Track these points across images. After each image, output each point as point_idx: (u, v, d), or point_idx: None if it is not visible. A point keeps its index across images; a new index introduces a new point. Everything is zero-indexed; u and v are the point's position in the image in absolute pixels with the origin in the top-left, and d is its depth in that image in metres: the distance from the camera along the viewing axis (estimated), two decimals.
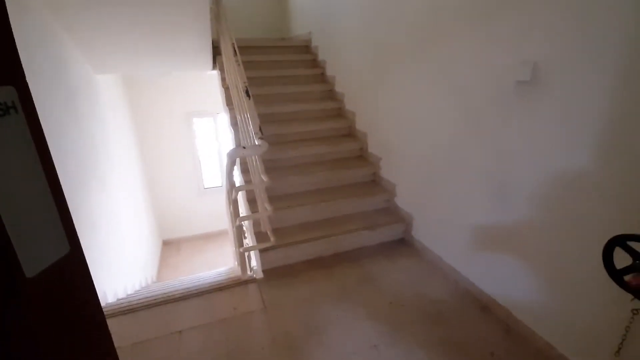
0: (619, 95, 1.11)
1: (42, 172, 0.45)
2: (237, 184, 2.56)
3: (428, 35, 1.99)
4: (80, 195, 2.37)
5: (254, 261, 2.40)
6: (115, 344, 0.62)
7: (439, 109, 1.97)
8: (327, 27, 3.52)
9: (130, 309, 1.88)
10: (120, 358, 0.64)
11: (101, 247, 2.65)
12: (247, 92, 2.03)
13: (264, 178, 1.85)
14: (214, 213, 5.77)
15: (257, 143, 1.83)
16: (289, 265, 2.22)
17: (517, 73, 1.42)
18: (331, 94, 3.51)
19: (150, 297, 2.12)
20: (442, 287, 1.97)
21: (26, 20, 1.94)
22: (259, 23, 4.87)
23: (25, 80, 0.44)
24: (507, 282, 1.67)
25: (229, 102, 2.87)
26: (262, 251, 2.13)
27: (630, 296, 0.99)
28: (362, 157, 3.00)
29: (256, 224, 2.30)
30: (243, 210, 2.77)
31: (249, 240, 2.61)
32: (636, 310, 1.08)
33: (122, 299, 2.63)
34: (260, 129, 1.89)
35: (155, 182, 5.50)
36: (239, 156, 2.06)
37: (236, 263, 2.63)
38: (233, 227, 2.30)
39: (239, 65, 2.21)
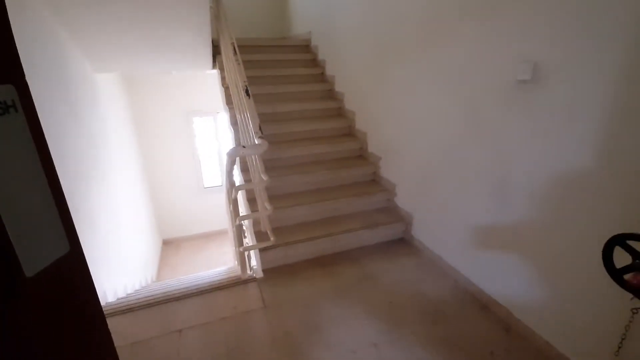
0: (620, 95, 1.11)
1: (41, 171, 0.45)
2: (237, 183, 2.56)
3: (428, 35, 1.98)
4: (80, 195, 2.36)
5: (254, 260, 2.40)
6: (115, 343, 0.62)
7: (439, 109, 1.97)
8: (327, 27, 3.51)
9: (130, 308, 1.88)
10: (120, 357, 0.64)
11: (101, 247, 2.65)
12: (247, 92, 2.03)
13: (264, 177, 1.85)
14: (213, 212, 5.77)
15: (257, 142, 1.82)
16: (289, 264, 2.22)
17: (518, 72, 1.42)
18: (331, 94, 3.51)
19: (150, 296, 2.12)
20: (441, 286, 1.97)
21: (26, 19, 1.93)
22: (258, 22, 4.87)
23: (25, 79, 0.44)
24: (507, 281, 1.67)
25: (228, 101, 2.87)
26: (262, 250, 2.13)
27: (630, 295, 0.99)
28: (362, 156, 3.00)
29: (256, 223, 2.30)
30: (243, 209, 2.77)
31: (248, 240, 2.61)
32: (636, 309, 1.08)
33: (122, 298, 2.63)
34: (260, 128, 1.88)
35: (155, 182, 5.50)
36: (238, 155, 2.06)
37: (236, 262, 2.63)
38: (233, 226, 2.30)
39: (238, 64, 2.20)
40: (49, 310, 0.48)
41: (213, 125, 5.78)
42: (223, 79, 3.07)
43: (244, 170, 2.63)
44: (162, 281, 4.06)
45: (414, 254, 2.30)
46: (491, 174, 1.66)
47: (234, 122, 2.74)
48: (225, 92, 3.08)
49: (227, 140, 5.07)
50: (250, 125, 1.95)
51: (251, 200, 2.49)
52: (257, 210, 2.15)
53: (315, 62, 3.86)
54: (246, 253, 2.25)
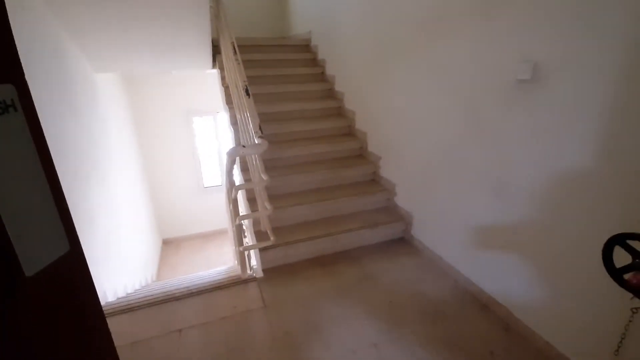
0: (620, 94, 1.11)
1: (41, 170, 0.45)
2: (237, 182, 2.56)
3: (428, 34, 1.98)
4: (80, 194, 2.36)
5: (254, 260, 2.40)
6: (115, 343, 0.61)
7: (439, 108, 1.97)
8: (327, 26, 3.51)
9: (130, 308, 1.88)
10: (120, 357, 0.64)
11: (101, 246, 2.65)
12: (247, 91, 2.03)
13: (264, 177, 1.85)
14: (213, 212, 5.77)
15: (257, 142, 1.82)
16: (289, 264, 2.22)
17: (518, 72, 1.42)
18: (331, 93, 3.51)
19: (150, 296, 2.12)
20: (441, 286, 1.97)
21: (26, 18, 1.93)
22: (258, 22, 4.87)
23: (25, 79, 0.44)
24: (506, 281, 1.67)
25: (228, 100, 2.87)
26: (262, 250, 2.13)
27: (629, 295, 0.99)
28: (362, 156, 3.00)
29: (256, 223, 2.30)
30: (243, 209, 2.77)
31: (248, 239, 2.61)
32: (636, 309, 1.08)
33: (122, 297, 2.63)
34: (260, 128, 1.88)
35: (155, 181, 5.50)
36: (238, 155, 2.06)
37: (236, 262, 2.63)
38: (233, 226, 2.30)
39: (238, 63, 2.20)
40: (49, 309, 0.48)
41: (213, 124, 5.78)
42: (223, 78, 3.07)
43: (244, 169, 2.63)
44: (162, 281, 4.07)
45: (414, 253, 2.30)
46: (491, 173, 1.66)
47: (233, 122, 2.74)
48: (225, 91, 3.08)
49: (227, 139, 5.07)
50: (250, 124, 1.95)
51: (251, 200, 2.49)
52: (257, 210, 2.15)
53: (315, 62, 3.86)
54: (246, 253, 2.25)
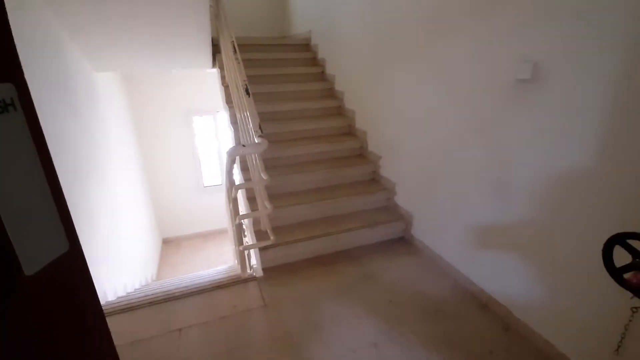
0: (620, 94, 1.11)
1: (41, 169, 0.45)
2: (237, 182, 2.56)
3: (428, 34, 1.98)
4: (80, 193, 2.36)
5: (254, 259, 2.40)
6: (115, 342, 0.61)
7: (439, 108, 1.97)
8: (327, 26, 3.51)
9: (130, 307, 1.89)
10: (120, 356, 0.64)
11: (101, 245, 2.65)
12: (246, 90, 2.03)
13: (264, 176, 1.85)
14: (213, 211, 5.77)
15: (256, 141, 1.82)
16: (289, 263, 2.22)
17: (518, 71, 1.42)
18: (331, 92, 3.51)
19: (150, 295, 2.12)
20: (441, 285, 1.97)
21: (25, 17, 1.93)
22: (258, 21, 4.86)
23: (24, 78, 0.44)
24: (506, 280, 1.67)
25: (228, 100, 2.87)
26: (262, 249, 2.13)
27: (629, 294, 0.99)
28: (362, 155, 3.00)
29: (256, 222, 2.30)
30: (243, 208, 2.77)
31: (248, 239, 2.61)
32: (635, 308, 1.08)
33: (122, 297, 2.63)
34: (260, 127, 1.88)
35: (155, 181, 5.50)
36: (238, 154, 2.06)
37: (236, 261, 2.63)
38: (233, 225, 2.30)
39: (238, 63, 2.20)
40: (49, 309, 0.48)
41: (213, 124, 5.78)
42: (223, 77, 3.07)
43: (244, 169, 2.63)
44: (162, 280, 4.07)
45: (414, 253, 2.30)
46: (491, 173, 1.66)
47: (233, 121, 2.74)
48: (225, 91, 3.08)
49: (227, 139, 5.07)
50: (250, 124, 1.95)
51: (251, 199, 2.49)
52: (257, 209, 2.15)
53: (315, 61, 3.85)
54: (246, 252, 2.25)
